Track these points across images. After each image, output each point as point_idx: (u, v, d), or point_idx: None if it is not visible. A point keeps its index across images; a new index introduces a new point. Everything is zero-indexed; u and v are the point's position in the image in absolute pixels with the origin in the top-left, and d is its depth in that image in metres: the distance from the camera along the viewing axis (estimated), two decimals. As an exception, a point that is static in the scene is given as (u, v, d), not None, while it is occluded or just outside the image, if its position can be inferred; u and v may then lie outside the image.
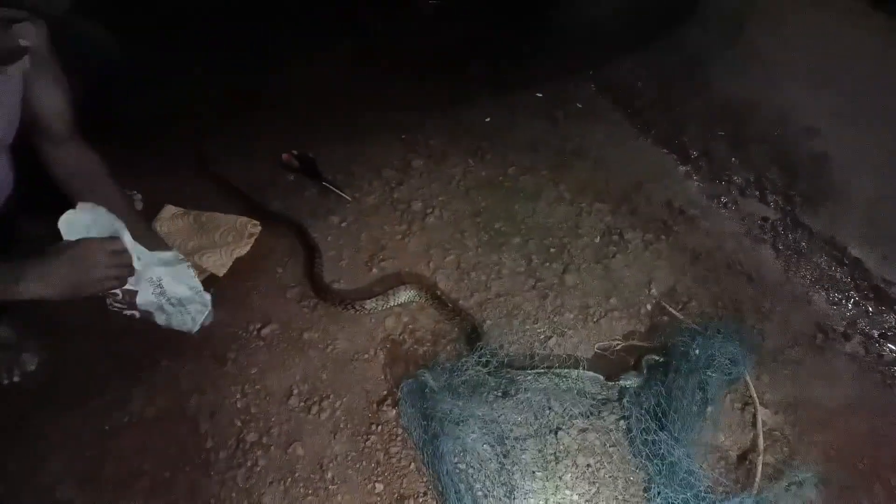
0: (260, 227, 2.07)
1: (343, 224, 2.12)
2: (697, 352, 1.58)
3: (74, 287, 1.38)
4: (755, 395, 1.61)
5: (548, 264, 1.94)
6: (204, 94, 2.74)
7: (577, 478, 1.47)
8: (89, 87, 1.82)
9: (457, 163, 2.32)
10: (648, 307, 1.82)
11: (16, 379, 1.72)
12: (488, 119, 2.52)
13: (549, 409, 1.56)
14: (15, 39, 1.39)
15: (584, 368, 1.61)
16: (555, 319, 1.79)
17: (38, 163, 1.67)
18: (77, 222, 1.46)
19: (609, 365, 1.68)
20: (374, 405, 1.62)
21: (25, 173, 1.69)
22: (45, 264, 1.36)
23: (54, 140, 1.63)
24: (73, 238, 1.43)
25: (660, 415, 1.50)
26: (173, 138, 2.50)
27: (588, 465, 1.49)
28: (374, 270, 1.97)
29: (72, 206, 1.54)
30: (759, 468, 1.46)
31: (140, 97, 2.52)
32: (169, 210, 2.11)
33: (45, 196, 1.80)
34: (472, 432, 1.46)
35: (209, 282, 1.94)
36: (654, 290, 1.86)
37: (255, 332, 1.80)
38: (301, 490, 1.48)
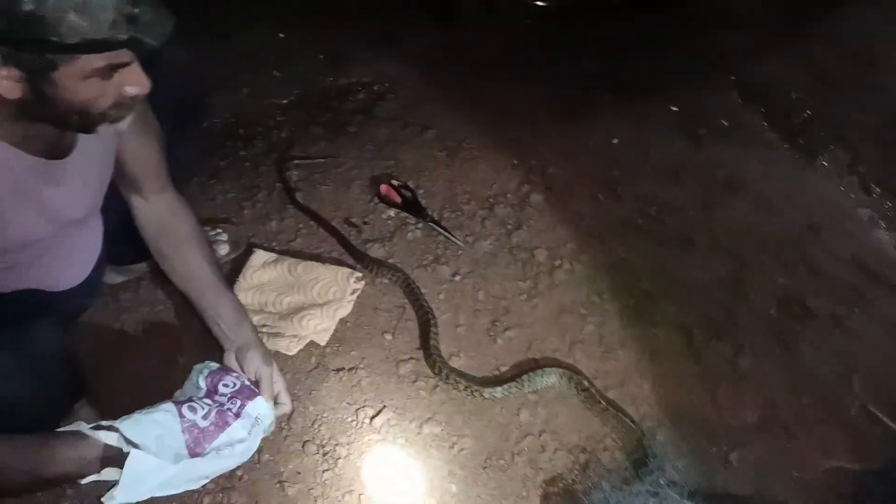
0: (364, 282, 1.76)
1: (456, 277, 1.80)
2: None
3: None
4: None
5: (714, 342, 1.60)
6: (278, 99, 2.42)
7: None
8: (177, 121, 1.52)
9: (584, 198, 1.97)
10: (853, 412, 1.45)
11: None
12: (616, 140, 2.13)
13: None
14: None
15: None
16: (733, 423, 1.46)
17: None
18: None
19: (813, 492, 1.34)
20: (520, 533, 1.33)
21: (112, 220, 1.44)
22: None
23: (143, 194, 1.40)
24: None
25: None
26: (250, 157, 2.20)
27: None
28: (499, 341, 1.66)
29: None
30: None
31: (209, 112, 2.22)
32: (259, 257, 1.83)
33: (126, 244, 1.57)
34: None
35: (310, 349, 1.66)
36: (857, 387, 1.49)
37: (366, 422, 1.52)
38: None
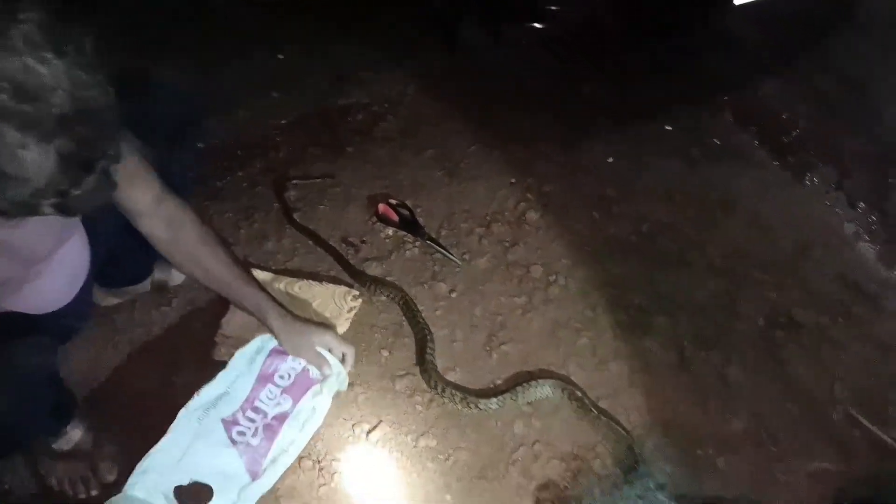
0: (361, 300, 1.90)
1: (453, 294, 1.94)
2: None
3: None
4: None
5: (704, 354, 1.73)
6: (276, 120, 2.58)
7: None
8: (170, 139, 1.65)
9: (579, 216, 2.11)
10: (835, 417, 1.58)
11: (93, 493, 1.59)
12: (611, 159, 2.28)
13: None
14: None
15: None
16: (722, 430, 1.58)
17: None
18: None
19: (797, 494, 1.46)
20: (514, 540, 1.45)
21: (102, 244, 1.56)
22: None
23: (140, 210, 1.46)
24: None
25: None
26: (248, 177, 2.35)
27: None
28: (495, 356, 1.78)
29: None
30: None
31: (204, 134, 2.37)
32: (256, 275, 1.95)
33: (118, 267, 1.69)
34: None
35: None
36: (839, 393, 1.62)
37: (363, 437, 1.64)
38: None
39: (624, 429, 1.57)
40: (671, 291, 1.88)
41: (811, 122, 2.33)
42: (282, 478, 1.56)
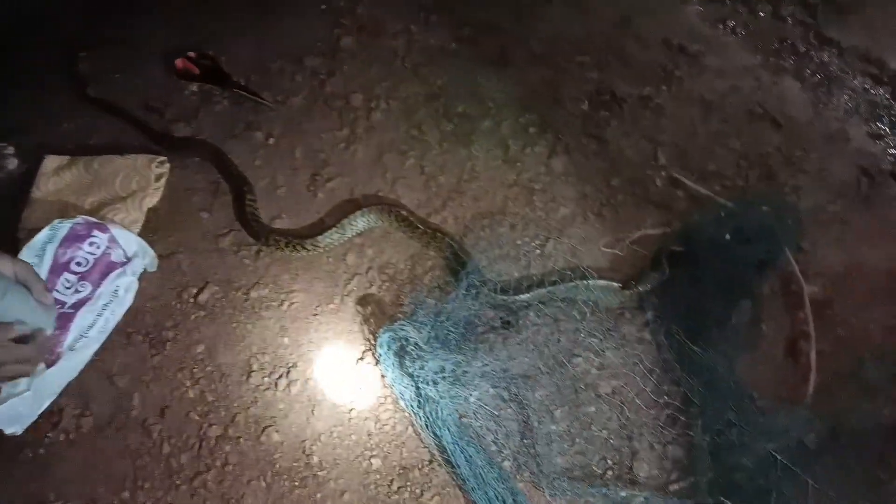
0: (169, 165, 1.75)
1: (270, 140, 1.81)
2: (728, 237, 1.37)
3: None
4: (797, 270, 1.43)
5: (529, 149, 1.68)
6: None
7: (603, 407, 1.33)
8: None
9: (396, 32, 1.96)
10: (658, 183, 1.58)
11: None
12: (425, -36, 2.09)
13: (558, 338, 1.37)
14: None
15: (591, 277, 1.41)
16: (548, 218, 1.57)
17: None
18: None
19: (621, 264, 1.48)
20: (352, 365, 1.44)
21: None
22: None
23: None
24: None
25: (690, 321, 1.33)
26: (33, 57, 2.08)
27: (613, 392, 1.34)
28: (320, 195, 1.70)
29: None
30: (814, 361, 1.32)
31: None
32: (51, 162, 1.77)
33: None
34: (474, 387, 1.28)
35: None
36: (662, 160, 1.61)
37: (191, 301, 1.56)
38: (286, 483, 1.34)
39: (450, 236, 1.53)
40: (494, 93, 1.79)
41: None
42: (112, 358, 1.51)
